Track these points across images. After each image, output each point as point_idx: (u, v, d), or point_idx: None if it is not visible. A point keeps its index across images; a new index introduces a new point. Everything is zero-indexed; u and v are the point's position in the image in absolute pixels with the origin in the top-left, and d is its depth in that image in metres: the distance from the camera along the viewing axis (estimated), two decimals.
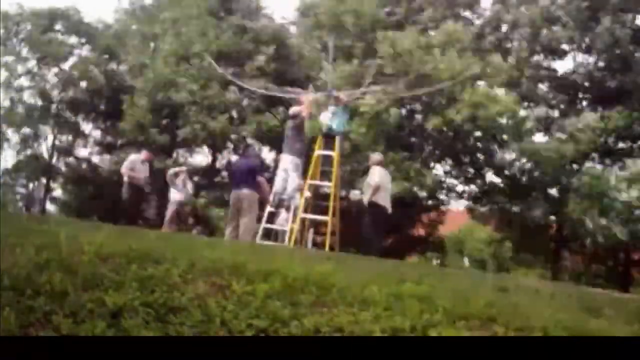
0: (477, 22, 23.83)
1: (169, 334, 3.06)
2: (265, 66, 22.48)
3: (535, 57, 22.74)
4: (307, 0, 24.82)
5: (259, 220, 9.97)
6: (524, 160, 21.54)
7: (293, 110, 11.00)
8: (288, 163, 10.29)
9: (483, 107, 19.23)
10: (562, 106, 22.97)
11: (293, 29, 26.66)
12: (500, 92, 21.30)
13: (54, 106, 27.25)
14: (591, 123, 20.46)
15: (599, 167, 21.40)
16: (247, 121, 23.40)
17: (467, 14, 24.48)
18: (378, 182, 9.96)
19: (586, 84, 22.30)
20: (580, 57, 22.67)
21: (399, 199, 20.90)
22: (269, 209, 10.60)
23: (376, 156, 10.86)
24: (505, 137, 21.01)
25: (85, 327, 2.93)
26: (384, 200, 10.05)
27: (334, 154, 11.03)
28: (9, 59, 26.59)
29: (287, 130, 10.75)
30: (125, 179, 11.89)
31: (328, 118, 11.11)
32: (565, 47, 22.63)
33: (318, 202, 11.34)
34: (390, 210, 10.18)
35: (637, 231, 19.06)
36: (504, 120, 20.48)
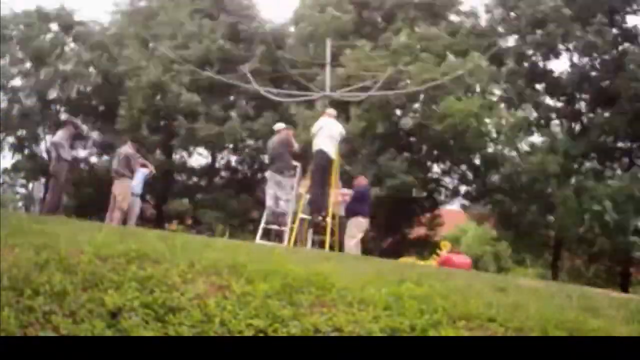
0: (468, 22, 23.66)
1: (169, 333, 3.06)
2: (260, 68, 22.48)
3: (531, 58, 22.70)
4: (300, 11, 24.89)
5: None
6: (520, 167, 21.57)
7: (278, 126, 11.34)
8: (272, 182, 10.63)
9: (454, 116, 19.32)
10: (558, 107, 22.97)
11: (292, 29, 26.64)
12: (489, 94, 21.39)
13: (51, 107, 27.23)
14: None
15: (598, 167, 21.40)
16: (243, 126, 23.46)
17: (462, 12, 24.37)
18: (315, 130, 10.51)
19: (583, 84, 22.26)
20: (576, 58, 22.66)
21: (395, 198, 20.96)
22: (263, 223, 10.65)
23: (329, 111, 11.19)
24: (499, 139, 21.05)
25: (84, 327, 2.93)
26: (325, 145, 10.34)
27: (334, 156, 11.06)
28: (4, 60, 26.53)
29: (271, 145, 11.04)
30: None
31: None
32: (560, 47, 22.61)
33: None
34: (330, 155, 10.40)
35: (622, 242, 19.04)
36: (493, 124, 20.54)
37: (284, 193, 10.52)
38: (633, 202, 18.77)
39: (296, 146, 11.01)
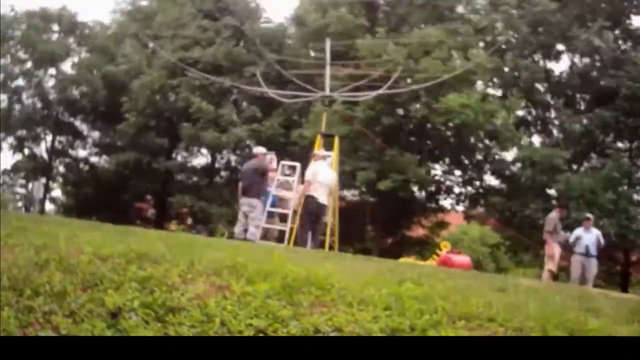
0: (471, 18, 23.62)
1: (168, 334, 3.06)
2: (264, 71, 22.50)
3: (532, 58, 22.68)
4: (299, 11, 24.91)
5: None
6: (519, 164, 21.58)
7: (257, 149, 10.91)
8: (246, 206, 10.12)
9: (457, 113, 19.31)
10: (559, 106, 22.96)
11: (291, 30, 26.65)
12: (493, 93, 21.45)
13: (52, 107, 27.22)
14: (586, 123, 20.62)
15: (597, 166, 21.41)
16: (244, 127, 23.48)
17: (462, 11, 24.34)
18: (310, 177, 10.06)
19: (582, 84, 22.26)
20: (577, 58, 22.65)
21: (395, 198, 20.97)
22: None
23: (318, 152, 10.88)
24: (500, 138, 21.07)
25: (84, 327, 2.93)
26: (317, 192, 10.00)
27: (333, 154, 11.07)
28: (6, 60, 26.53)
29: (245, 172, 10.52)
30: None
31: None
32: (560, 47, 22.61)
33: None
34: (323, 202, 10.08)
35: (625, 230, 19.14)
36: (498, 121, 20.54)
37: (256, 215, 10.11)
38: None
39: (272, 174, 10.57)
